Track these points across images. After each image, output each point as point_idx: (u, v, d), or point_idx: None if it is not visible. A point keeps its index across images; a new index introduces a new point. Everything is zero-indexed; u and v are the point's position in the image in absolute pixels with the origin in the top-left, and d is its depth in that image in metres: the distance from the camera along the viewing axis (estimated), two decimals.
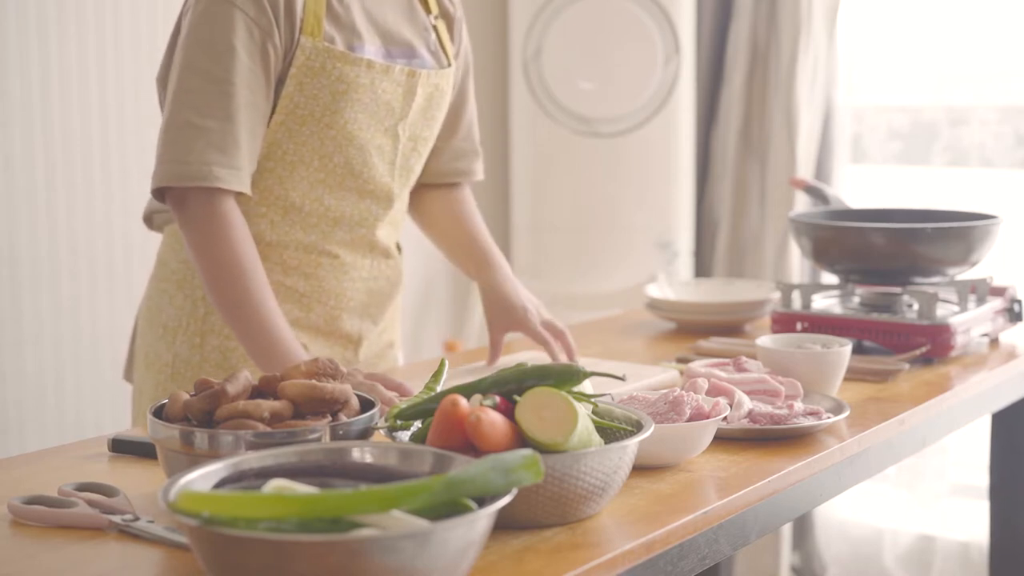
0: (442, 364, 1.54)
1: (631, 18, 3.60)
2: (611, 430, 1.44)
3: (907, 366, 2.07)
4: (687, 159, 3.70)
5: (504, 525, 1.27)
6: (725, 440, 1.65)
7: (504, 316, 2.10)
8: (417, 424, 1.43)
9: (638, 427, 1.42)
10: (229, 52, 1.81)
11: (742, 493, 1.47)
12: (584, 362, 2.02)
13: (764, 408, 1.70)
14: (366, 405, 1.47)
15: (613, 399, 1.58)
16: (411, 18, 2.02)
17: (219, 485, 1.20)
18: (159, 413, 1.42)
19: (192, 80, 1.82)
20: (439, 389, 1.48)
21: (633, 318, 2.62)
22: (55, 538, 1.31)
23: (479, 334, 3.80)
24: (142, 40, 3.04)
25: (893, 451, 1.85)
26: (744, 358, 1.86)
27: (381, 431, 1.44)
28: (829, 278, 2.83)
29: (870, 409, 1.86)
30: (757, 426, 1.66)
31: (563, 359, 2.04)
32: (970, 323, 2.20)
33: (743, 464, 1.57)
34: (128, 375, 2.12)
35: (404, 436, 1.42)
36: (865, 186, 3.71)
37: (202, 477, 1.19)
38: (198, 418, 1.39)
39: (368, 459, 1.27)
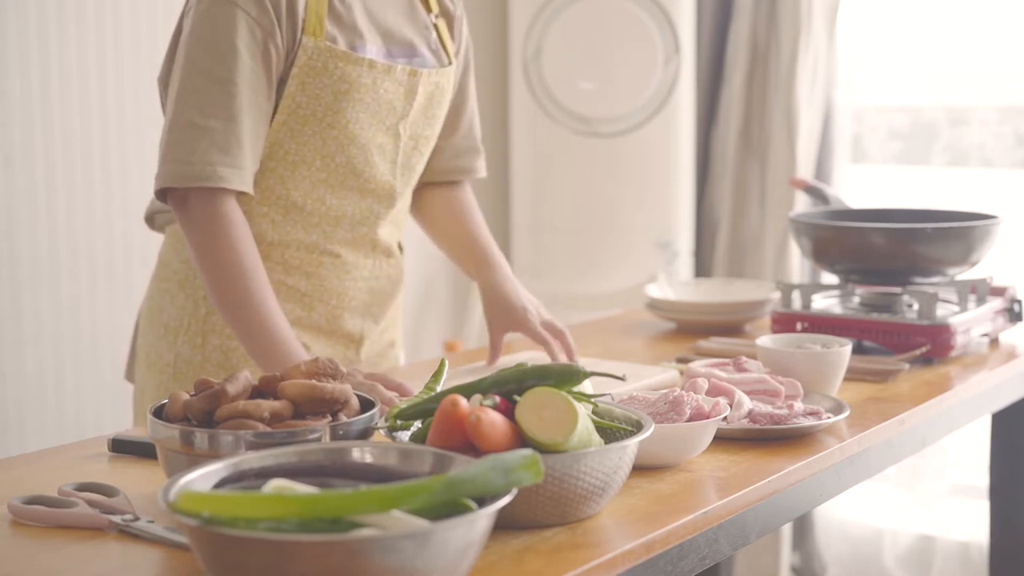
0: (442, 364, 1.54)
1: (631, 18, 3.60)
2: (611, 430, 1.44)
3: (907, 366, 2.07)
4: (687, 159, 3.70)
5: (504, 525, 1.27)
6: (725, 440, 1.65)
7: (504, 316, 2.10)
8: (417, 424, 1.43)
9: (638, 427, 1.42)
10: (231, 52, 1.81)
11: (742, 493, 1.47)
12: (584, 362, 2.02)
13: (764, 408, 1.70)
14: (366, 405, 1.47)
15: (613, 399, 1.58)
16: (412, 17, 2.03)
17: (219, 485, 1.20)
18: (159, 413, 1.42)
19: (195, 80, 1.82)
20: (439, 389, 1.48)
21: (633, 318, 2.62)
22: (55, 538, 1.31)
23: (479, 334, 3.80)
24: (142, 40, 3.04)
25: (893, 451, 1.85)
26: (744, 358, 1.86)
27: (381, 431, 1.44)
28: (829, 278, 2.83)
29: (870, 409, 1.86)
30: (757, 426, 1.66)
31: (563, 359, 2.04)
32: (970, 323, 2.20)
33: (743, 464, 1.57)
34: (129, 375, 2.12)
35: (404, 436, 1.42)
36: (865, 186, 3.71)
37: (202, 477, 1.19)
38: (198, 418, 1.39)
39: (368, 459, 1.27)
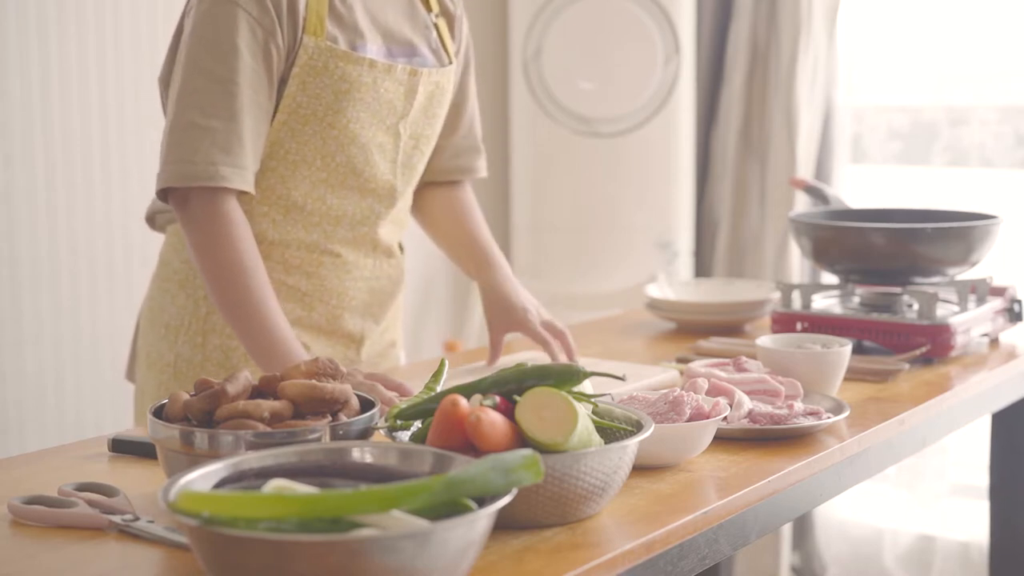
0: (442, 364, 1.54)
1: (631, 18, 3.60)
2: (611, 430, 1.44)
3: (907, 366, 2.07)
4: (687, 159, 3.70)
5: (504, 525, 1.27)
6: (725, 440, 1.65)
7: (504, 316, 2.10)
8: (417, 424, 1.43)
9: (638, 427, 1.42)
10: (233, 52, 1.82)
11: (742, 493, 1.47)
12: (584, 362, 2.02)
13: (764, 408, 1.70)
14: (366, 405, 1.47)
15: (613, 399, 1.58)
16: (412, 17, 2.03)
17: (219, 485, 1.20)
18: (159, 413, 1.42)
19: (196, 80, 1.82)
20: (439, 389, 1.48)
21: (633, 318, 2.62)
22: (55, 538, 1.31)
23: (479, 334, 3.80)
24: (142, 40, 3.04)
25: (893, 451, 1.85)
26: (744, 358, 1.86)
27: (381, 431, 1.44)
28: (829, 278, 2.83)
29: (870, 409, 1.86)
30: (757, 426, 1.66)
31: (563, 359, 2.04)
32: (970, 323, 2.20)
33: (743, 464, 1.57)
34: (130, 375, 2.13)
35: (404, 436, 1.42)
36: (865, 186, 3.71)
37: (202, 477, 1.19)
38: (198, 418, 1.39)
39: (368, 459, 1.27)
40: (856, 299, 2.32)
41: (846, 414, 1.73)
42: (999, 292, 2.35)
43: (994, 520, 2.59)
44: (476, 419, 1.29)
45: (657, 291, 2.56)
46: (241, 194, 1.87)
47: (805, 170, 3.59)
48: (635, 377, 1.95)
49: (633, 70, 3.63)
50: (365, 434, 1.41)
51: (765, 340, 1.92)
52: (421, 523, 1.11)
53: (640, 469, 1.51)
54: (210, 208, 1.82)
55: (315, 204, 1.96)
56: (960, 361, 2.19)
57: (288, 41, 1.86)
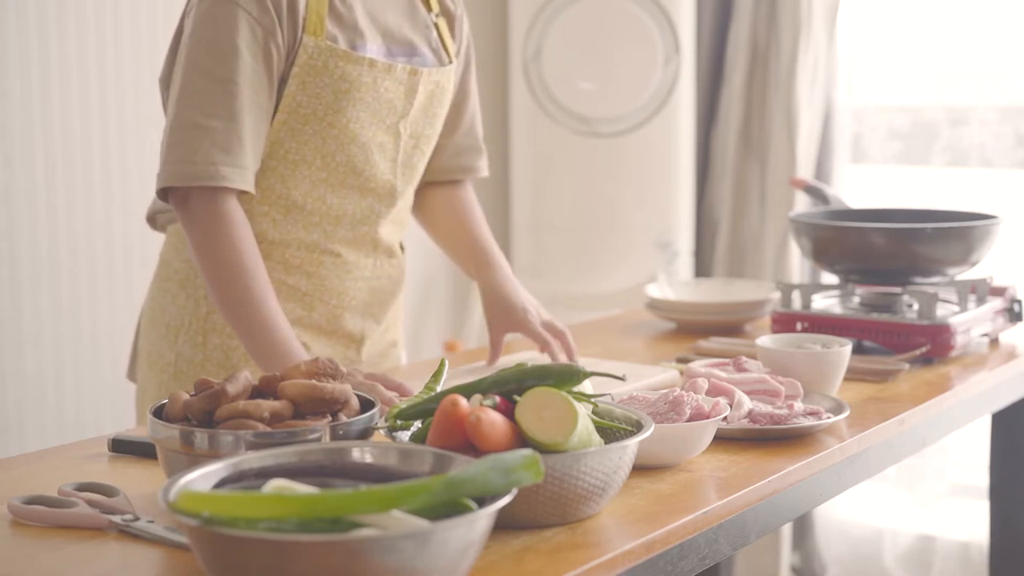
0: (442, 364, 1.54)
1: (631, 18, 3.60)
2: (611, 430, 1.44)
3: (907, 366, 2.07)
4: (687, 159, 3.70)
5: (504, 525, 1.27)
6: (725, 440, 1.65)
7: (504, 316, 2.10)
8: (417, 424, 1.43)
9: (638, 427, 1.42)
10: (233, 52, 1.82)
11: (742, 493, 1.47)
12: (584, 362, 2.02)
13: (764, 408, 1.70)
14: (366, 405, 1.47)
15: (613, 399, 1.58)
16: (412, 16, 2.03)
17: (219, 485, 1.20)
18: (159, 413, 1.42)
19: (196, 80, 1.82)
20: (439, 389, 1.48)
21: (633, 318, 2.62)
22: (55, 538, 1.31)
23: (479, 334, 3.80)
24: (142, 40, 3.04)
25: (893, 451, 1.85)
26: (744, 358, 1.86)
27: (381, 431, 1.44)
28: (829, 278, 2.83)
29: (870, 409, 1.86)
30: (757, 426, 1.66)
31: (563, 359, 2.04)
32: (970, 323, 2.20)
33: (743, 464, 1.57)
34: (131, 374, 2.13)
35: (404, 436, 1.42)
36: (865, 186, 3.71)
37: (202, 477, 1.19)
38: (198, 418, 1.39)
39: (368, 459, 1.27)
40: (856, 299, 2.32)
41: (846, 414, 1.73)
42: (999, 292, 2.35)
43: (994, 520, 2.59)
44: (476, 419, 1.29)
45: (657, 291, 2.56)
46: (241, 194, 1.87)
47: (805, 170, 3.59)
48: (635, 377, 1.95)
49: (633, 70, 3.63)
50: (365, 434, 1.41)
51: (765, 340, 1.92)
52: (421, 523, 1.11)
53: (640, 469, 1.51)
54: (210, 208, 1.82)
55: (315, 204, 1.96)
56: (960, 361, 2.19)
57: (288, 41, 1.86)
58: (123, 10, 3.01)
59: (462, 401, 1.33)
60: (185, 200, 1.83)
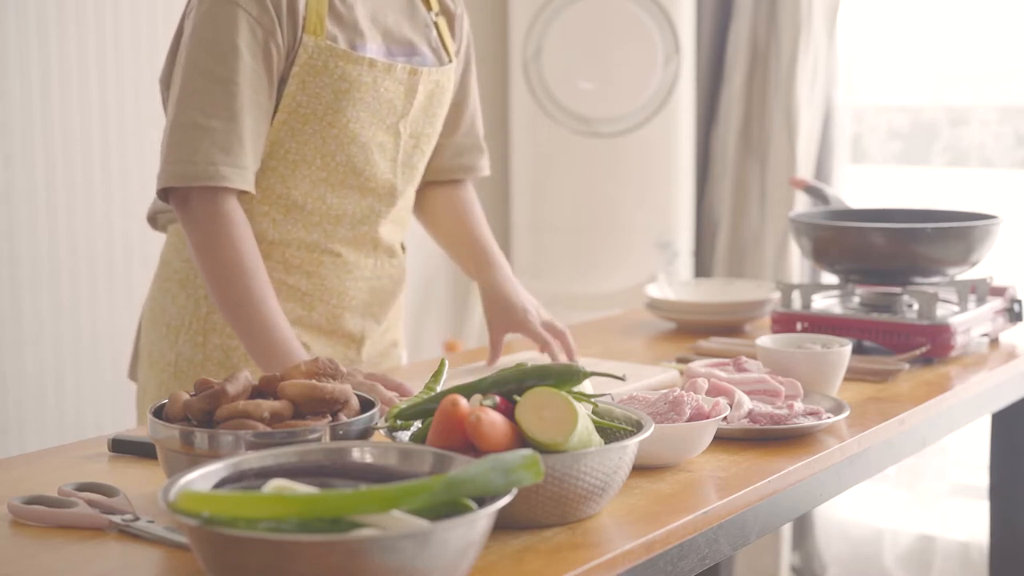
0: (442, 364, 1.54)
1: (631, 18, 3.60)
2: (611, 430, 1.44)
3: (907, 366, 2.07)
4: (687, 159, 3.70)
5: (504, 525, 1.27)
6: (725, 440, 1.65)
7: (504, 316, 2.10)
8: (417, 424, 1.43)
9: (638, 427, 1.42)
10: (233, 52, 1.82)
11: (742, 493, 1.47)
12: (584, 362, 2.02)
13: (764, 408, 1.70)
14: (366, 405, 1.47)
15: (613, 399, 1.58)
16: (412, 16, 2.03)
17: (219, 485, 1.20)
18: (159, 413, 1.42)
19: (196, 81, 1.83)
20: (439, 389, 1.48)
21: (633, 318, 2.62)
22: (55, 538, 1.31)
23: (479, 334, 3.80)
24: (142, 40, 3.04)
25: (893, 451, 1.85)
26: (744, 358, 1.86)
27: (381, 431, 1.44)
28: (829, 278, 2.83)
29: (870, 409, 1.86)
30: (757, 426, 1.66)
31: (563, 359, 2.04)
32: (970, 323, 2.20)
33: (743, 464, 1.57)
34: (133, 374, 2.13)
35: (404, 436, 1.42)
36: (865, 186, 3.71)
37: (202, 477, 1.19)
38: (198, 418, 1.39)
39: (368, 459, 1.27)
40: (856, 299, 2.32)
41: (846, 414, 1.73)
42: (999, 292, 2.35)
43: (994, 520, 2.59)
44: (476, 419, 1.29)
45: (657, 291, 2.56)
46: (241, 194, 1.88)
47: (805, 170, 3.59)
48: (635, 377, 1.95)
49: (633, 70, 3.63)
50: (365, 434, 1.41)
51: (765, 340, 1.92)
52: (421, 523, 1.11)
53: (640, 469, 1.51)
54: (211, 208, 1.82)
55: (315, 203, 1.96)
56: (960, 361, 2.19)
57: (288, 40, 1.86)
58: (123, 10, 3.01)
59: (462, 401, 1.33)
60: (185, 200, 1.83)
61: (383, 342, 2.13)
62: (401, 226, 2.10)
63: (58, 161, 2.91)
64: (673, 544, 1.35)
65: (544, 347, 2.05)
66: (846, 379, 1.98)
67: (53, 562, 1.25)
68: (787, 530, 3.67)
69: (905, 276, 2.22)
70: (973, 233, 2.17)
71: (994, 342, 2.33)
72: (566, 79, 3.68)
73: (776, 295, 2.41)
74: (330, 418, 1.41)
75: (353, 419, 1.40)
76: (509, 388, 1.39)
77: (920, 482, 3.62)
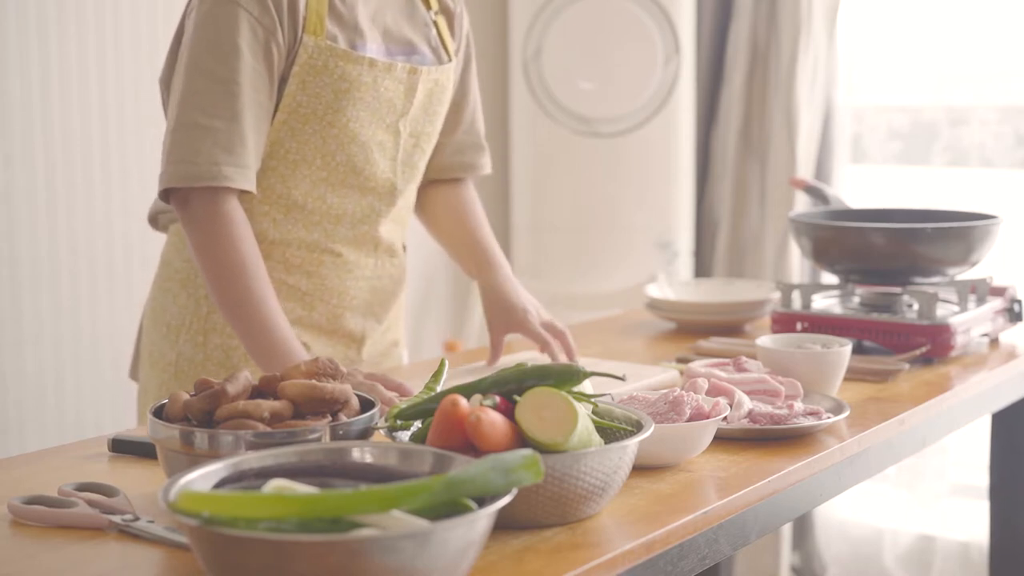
0: (442, 364, 1.54)
1: (631, 18, 3.60)
2: (611, 430, 1.44)
3: (907, 366, 2.07)
4: (687, 159, 3.70)
5: (504, 525, 1.27)
6: (725, 440, 1.65)
7: (504, 317, 2.10)
8: (417, 424, 1.43)
9: (638, 427, 1.42)
10: (234, 52, 1.82)
11: (742, 493, 1.47)
12: (584, 362, 2.02)
13: (764, 408, 1.70)
14: (366, 405, 1.47)
15: (613, 399, 1.58)
16: (411, 15, 2.03)
17: (219, 485, 1.20)
18: (159, 413, 1.42)
19: (198, 81, 1.83)
20: (439, 389, 1.48)
21: (633, 318, 2.62)
22: (55, 538, 1.31)
23: (479, 334, 3.80)
24: (142, 40, 3.04)
25: (893, 451, 1.85)
26: (744, 358, 1.86)
27: (381, 431, 1.44)
28: (829, 278, 2.83)
29: (870, 409, 1.86)
30: (757, 426, 1.66)
31: (563, 359, 2.04)
32: (970, 323, 2.20)
33: (743, 464, 1.57)
34: (133, 374, 2.13)
35: (404, 436, 1.42)
36: (865, 186, 3.71)
37: (202, 477, 1.19)
38: (198, 418, 1.39)
39: (368, 459, 1.27)
40: (856, 299, 2.32)
41: (846, 414, 1.73)
42: (999, 292, 2.35)
43: (994, 520, 2.59)
44: (476, 419, 1.29)
45: (657, 291, 2.56)
46: (242, 193, 1.88)
47: (805, 170, 3.59)
48: (635, 377, 1.95)
49: (633, 70, 3.63)
50: (365, 434, 1.41)
51: (765, 340, 1.92)
52: (421, 523, 1.11)
53: (640, 469, 1.51)
54: (211, 208, 1.82)
55: (315, 203, 1.96)
56: (960, 361, 2.19)
57: (288, 40, 1.86)
58: (123, 10, 3.01)
59: (462, 401, 1.33)
60: (186, 200, 1.84)
61: (384, 342, 2.13)
62: (402, 225, 2.10)
63: (58, 161, 2.91)
64: (673, 544, 1.35)
65: (544, 347, 2.05)
66: (846, 379, 1.98)
67: (53, 562, 1.25)
68: (787, 530, 3.67)
69: (905, 276, 2.22)
70: (973, 233, 2.17)
71: (994, 342, 2.33)
72: (566, 79, 3.68)
73: (776, 295, 2.41)
74: (330, 418, 1.41)
75: (353, 419, 1.40)
76: (509, 388, 1.39)
77: (920, 482, 3.62)
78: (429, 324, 3.86)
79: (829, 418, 1.71)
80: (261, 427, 1.34)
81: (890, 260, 2.19)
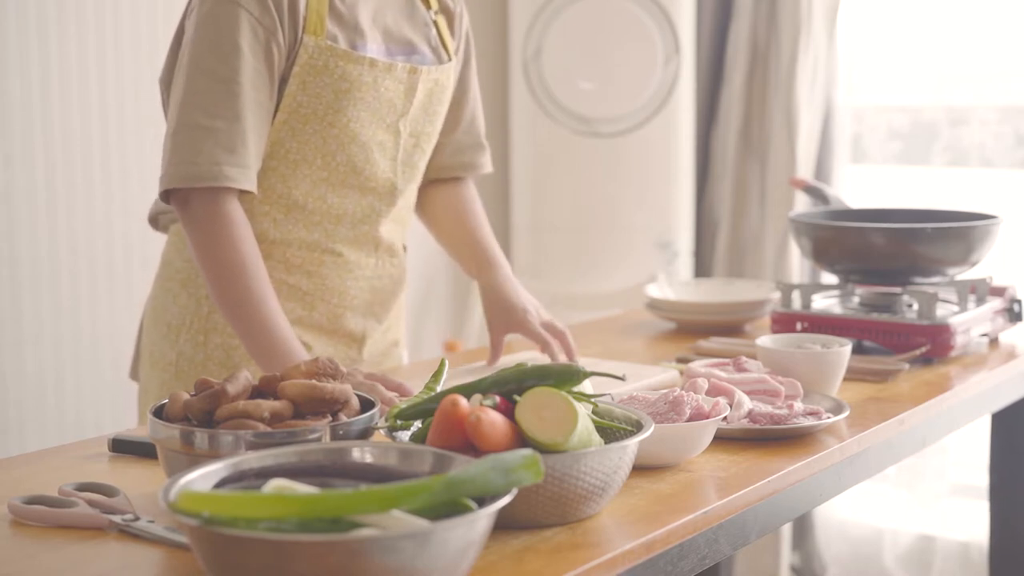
0: (442, 364, 1.54)
1: (631, 18, 3.60)
2: (611, 430, 1.44)
3: (907, 366, 2.07)
4: (687, 159, 3.70)
5: (504, 525, 1.27)
6: (725, 440, 1.65)
7: (504, 317, 2.10)
8: (417, 424, 1.43)
9: (638, 427, 1.42)
10: (235, 52, 1.82)
11: (742, 493, 1.47)
12: (584, 362, 2.02)
13: (764, 408, 1.70)
14: (366, 405, 1.47)
15: (613, 399, 1.58)
16: (411, 15, 2.03)
17: (219, 485, 1.20)
18: (159, 413, 1.42)
19: (199, 80, 1.83)
20: (439, 389, 1.48)
21: (633, 318, 2.62)
22: (55, 538, 1.31)
23: (479, 334, 3.80)
24: (142, 40, 3.04)
25: (893, 451, 1.85)
26: (744, 358, 1.86)
27: (381, 431, 1.44)
28: (829, 278, 2.83)
29: (870, 409, 1.86)
30: (757, 426, 1.66)
31: (563, 359, 2.04)
32: (970, 323, 2.20)
33: (743, 464, 1.57)
34: (134, 374, 2.13)
35: (404, 436, 1.42)
36: (865, 186, 3.71)
37: (202, 477, 1.19)
38: (198, 418, 1.39)
39: (368, 459, 1.27)
40: (856, 299, 2.32)
41: (846, 414, 1.73)
42: (999, 292, 2.35)
43: (994, 520, 2.59)
44: (476, 419, 1.29)
45: (657, 291, 2.56)
46: (243, 193, 1.88)
47: (805, 170, 3.59)
48: (635, 377, 1.95)
49: (633, 70, 3.63)
50: (365, 434, 1.41)
51: (765, 340, 1.92)
52: (421, 523, 1.11)
53: (640, 469, 1.51)
54: (211, 208, 1.82)
55: (316, 203, 1.96)
56: (960, 361, 2.19)
57: (289, 40, 1.86)
58: (123, 10, 3.01)
59: (462, 401, 1.33)
60: (186, 201, 1.84)
61: (384, 341, 2.13)
62: (402, 225, 2.10)
63: (58, 161, 2.91)
64: (673, 544, 1.35)
65: (544, 347, 2.05)
66: (846, 379, 1.98)
67: (53, 562, 1.25)
68: (787, 530, 3.67)
69: (905, 276, 2.22)
70: (973, 233, 2.17)
71: (994, 342, 2.33)
72: (566, 79, 3.68)
73: (776, 295, 2.41)
74: (330, 418, 1.41)
75: (353, 419, 1.40)
76: (509, 388, 1.39)
77: (920, 482, 3.62)
78: (429, 324, 3.86)
79: (829, 418, 1.71)
80: (261, 427, 1.34)
81: (890, 260, 2.19)
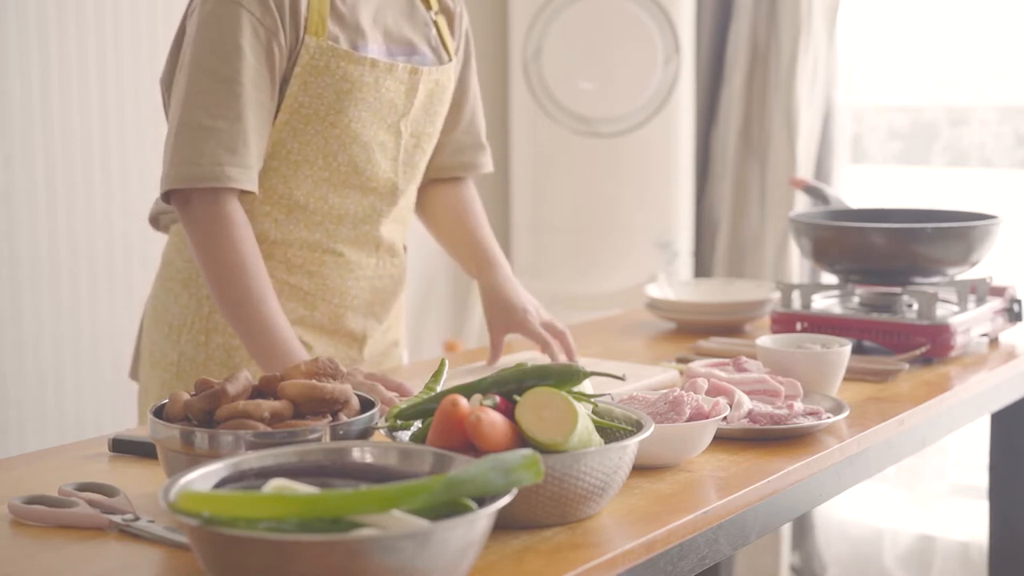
0: (442, 364, 1.54)
1: (631, 18, 3.60)
2: (611, 430, 1.44)
3: (907, 366, 2.07)
4: (687, 159, 3.70)
5: (504, 525, 1.27)
6: (725, 440, 1.65)
7: (504, 317, 2.10)
8: (417, 424, 1.43)
9: (638, 427, 1.42)
10: (236, 52, 1.82)
11: (742, 493, 1.47)
12: (584, 362, 2.02)
13: (764, 408, 1.70)
14: (366, 405, 1.47)
15: (613, 399, 1.58)
16: (411, 15, 2.03)
17: (219, 485, 1.20)
18: (159, 413, 1.42)
19: (200, 80, 1.83)
20: (439, 389, 1.48)
21: (633, 318, 2.62)
22: (55, 538, 1.31)
23: (479, 334, 3.80)
24: (142, 40, 3.04)
25: (893, 451, 1.85)
26: (744, 358, 1.86)
27: (381, 431, 1.44)
28: (829, 278, 2.83)
29: (870, 409, 1.86)
30: (757, 426, 1.66)
31: (563, 359, 2.04)
32: (970, 323, 2.20)
33: (743, 464, 1.57)
34: (134, 374, 2.13)
35: (404, 436, 1.42)
36: (865, 186, 3.71)
37: (202, 477, 1.19)
38: (198, 418, 1.39)
39: (368, 459, 1.27)
40: (856, 299, 2.32)
41: (846, 414, 1.73)
42: (999, 292, 2.35)
43: (994, 520, 2.59)
44: (476, 419, 1.29)
45: (657, 291, 2.56)
46: (243, 194, 1.88)
47: (805, 170, 3.59)
48: (635, 377, 1.95)
49: (633, 70, 3.63)
50: (365, 434, 1.41)
51: (765, 340, 1.92)
52: (421, 523, 1.11)
53: (640, 469, 1.51)
54: (212, 208, 1.83)
55: (317, 203, 1.96)
56: (960, 361, 2.19)
57: (290, 41, 1.86)
58: (123, 10, 3.01)
59: (462, 401, 1.33)
60: (187, 201, 1.84)
61: (384, 341, 2.13)
62: (403, 225, 2.10)
63: (58, 161, 2.91)
64: (673, 544, 1.35)
65: (544, 347, 2.05)
66: (846, 379, 1.98)
67: (53, 562, 1.25)
68: (787, 530, 3.67)
69: (905, 276, 2.22)
70: (973, 233, 2.17)
71: (994, 342, 2.33)
72: (566, 79, 3.68)
73: (776, 295, 2.41)
74: (330, 418, 1.41)
75: (353, 419, 1.40)
76: (509, 388, 1.39)
77: (920, 482, 3.62)
78: (429, 324, 3.86)
79: (829, 418, 1.71)
80: (261, 427, 1.34)
81: (890, 260, 2.19)
